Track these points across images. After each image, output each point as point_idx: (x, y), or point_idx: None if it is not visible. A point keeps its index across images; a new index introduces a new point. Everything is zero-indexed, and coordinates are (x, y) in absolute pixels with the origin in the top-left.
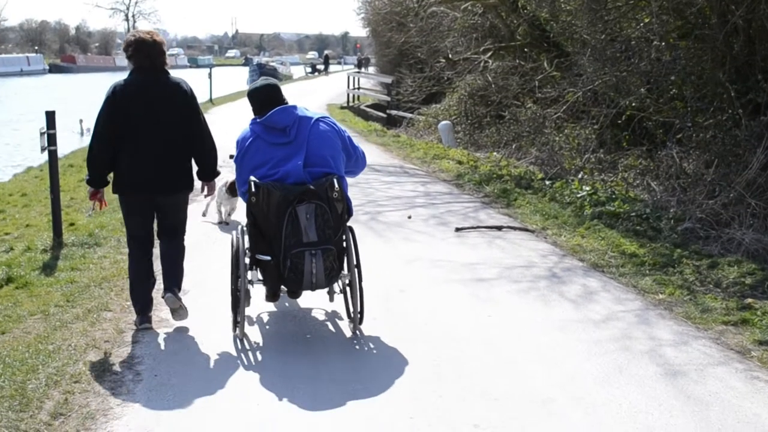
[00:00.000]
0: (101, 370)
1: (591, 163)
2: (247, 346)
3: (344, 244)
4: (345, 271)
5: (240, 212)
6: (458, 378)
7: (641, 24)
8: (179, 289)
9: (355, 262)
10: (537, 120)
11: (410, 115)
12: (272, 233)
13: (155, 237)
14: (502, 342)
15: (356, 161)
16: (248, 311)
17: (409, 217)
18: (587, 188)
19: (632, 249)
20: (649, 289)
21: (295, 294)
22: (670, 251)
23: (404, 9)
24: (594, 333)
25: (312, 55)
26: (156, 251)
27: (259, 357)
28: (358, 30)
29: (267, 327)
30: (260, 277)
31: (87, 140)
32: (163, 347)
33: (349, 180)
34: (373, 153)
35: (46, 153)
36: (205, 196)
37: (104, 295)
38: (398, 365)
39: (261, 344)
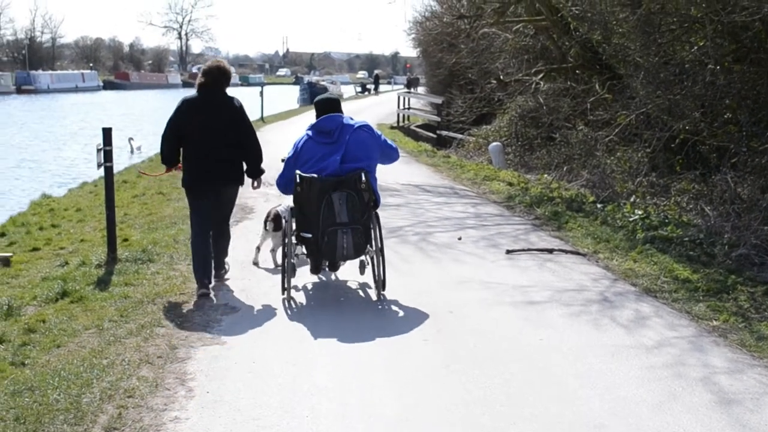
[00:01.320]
0: (154, 386)
1: (643, 187)
2: (296, 348)
3: (370, 225)
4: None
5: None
6: (508, 401)
7: (695, 47)
8: (220, 270)
9: (379, 240)
10: (588, 142)
11: (460, 136)
12: (312, 215)
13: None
14: (554, 366)
15: (390, 154)
16: (296, 281)
17: (460, 239)
18: (639, 212)
19: (685, 274)
20: (702, 315)
21: (334, 267)
22: (725, 277)
23: (455, 30)
24: (646, 359)
25: (362, 74)
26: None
27: (310, 364)
28: (409, 50)
29: (310, 293)
30: (304, 250)
31: (136, 159)
32: (215, 364)
33: (398, 200)
34: (423, 174)
35: (101, 169)
36: (254, 188)
37: (157, 310)
38: (448, 388)
39: (306, 327)
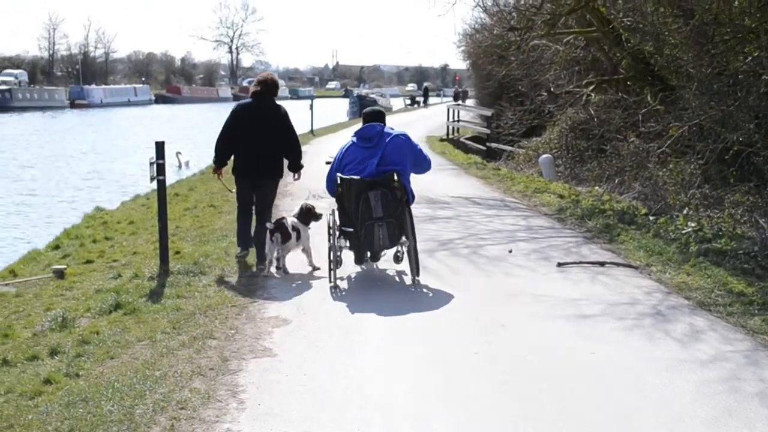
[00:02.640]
0: (206, 398)
1: (696, 199)
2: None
3: (404, 218)
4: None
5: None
6: (561, 416)
7: (749, 58)
8: (262, 255)
9: (411, 233)
10: (640, 154)
11: (510, 149)
12: (352, 212)
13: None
14: (607, 380)
15: (422, 165)
16: (342, 272)
17: (510, 251)
18: (692, 224)
19: (740, 288)
20: (758, 329)
21: (375, 257)
22: None
23: (506, 42)
24: (701, 373)
25: (411, 87)
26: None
27: (361, 377)
28: (458, 63)
29: (353, 280)
30: (346, 243)
31: (185, 173)
32: (266, 376)
33: (448, 213)
34: (473, 186)
35: (153, 182)
36: (295, 180)
37: (209, 322)
38: (499, 400)
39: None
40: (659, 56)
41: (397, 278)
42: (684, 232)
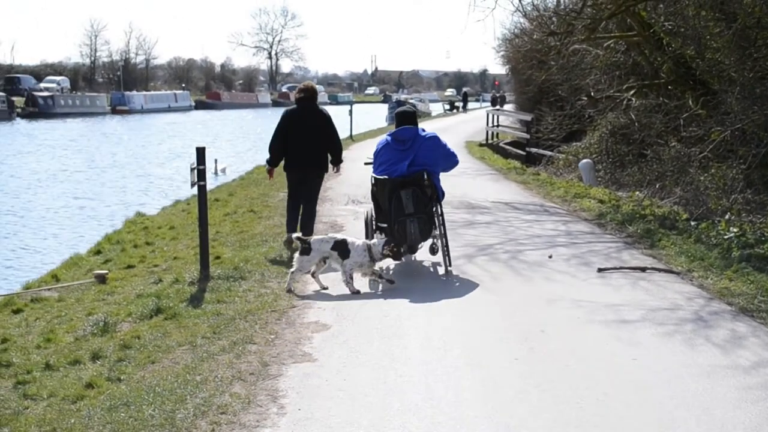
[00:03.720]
0: (246, 402)
1: (738, 204)
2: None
3: (434, 214)
4: (436, 232)
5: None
6: (603, 422)
7: None
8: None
9: (442, 227)
10: (681, 159)
11: (550, 153)
12: (386, 208)
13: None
14: (648, 386)
15: (450, 158)
16: (383, 264)
17: (550, 257)
18: (735, 230)
19: None
20: None
21: (412, 250)
22: None
23: (545, 47)
24: (744, 380)
25: (450, 92)
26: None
27: (401, 382)
28: (497, 67)
29: (390, 272)
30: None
31: (221, 180)
32: (306, 381)
33: (488, 218)
34: (512, 191)
35: (194, 187)
36: (335, 172)
37: (249, 327)
38: (539, 406)
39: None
40: (701, 60)
41: (433, 277)
42: (726, 237)
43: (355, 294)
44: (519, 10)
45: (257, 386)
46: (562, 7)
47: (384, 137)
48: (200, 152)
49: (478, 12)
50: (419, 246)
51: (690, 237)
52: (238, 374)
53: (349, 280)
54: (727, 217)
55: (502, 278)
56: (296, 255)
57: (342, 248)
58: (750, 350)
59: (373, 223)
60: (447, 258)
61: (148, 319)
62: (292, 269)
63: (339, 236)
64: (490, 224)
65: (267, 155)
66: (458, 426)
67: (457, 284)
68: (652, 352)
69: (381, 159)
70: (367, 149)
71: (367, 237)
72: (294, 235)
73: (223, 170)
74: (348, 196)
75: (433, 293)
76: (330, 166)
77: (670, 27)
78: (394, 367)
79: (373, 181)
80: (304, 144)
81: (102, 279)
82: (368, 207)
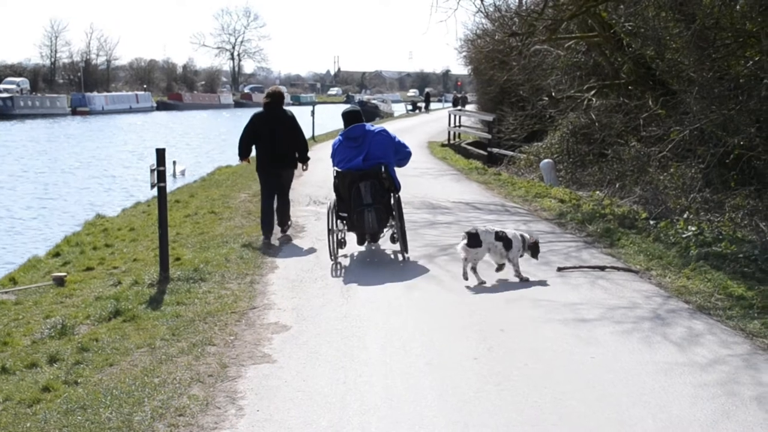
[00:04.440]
0: (205, 404)
1: (697, 203)
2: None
3: (390, 204)
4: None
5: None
6: (560, 420)
7: (750, 62)
8: (285, 226)
9: (399, 216)
10: (641, 159)
11: (511, 153)
12: (346, 199)
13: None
14: (605, 384)
15: (403, 156)
16: (345, 251)
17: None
18: (693, 228)
19: (740, 291)
20: (757, 332)
21: (374, 238)
22: None
23: (507, 47)
24: (700, 377)
25: (413, 92)
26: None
27: (360, 382)
28: (460, 68)
29: (354, 257)
30: (344, 227)
31: (180, 183)
32: (266, 383)
33: (449, 218)
34: (473, 191)
35: (154, 189)
36: (303, 170)
37: (208, 329)
38: (498, 405)
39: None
40: (660, 61)
41: (393, 277)
42: (684, 236)
43: (525, 282)
44: (481, 11)
45: (216, 388)
46: (524, 8)
47: (337, 137)
48: (160, 153)
49: (440, 13)
50: (381, 235)
51: (649, 236)
52: (196, 376)
53: (519, 270)
54: (685, 216)
55: (462, 278)
56: (464, 249)
57: (505, 240)
58: (706, 348)
59: (335, 212)
60: (404, 245)
61: (107, 321)
62: (470, 265)
63: (491, 228)
64: (451, 224)
65: (228, 157)
66: (417, 426)
67: (418, 284)
68: (610, 351)
69: (339, 157)
70: (329, 150)
71: (329, 225)
72: (465, 231)
73: (183, 172)
74: (310, 197)
75: (394, 293)
76: (299, 163)
77: (630, 28)
78: (353, 367)
79: (335, 174)
80: (273, 145)
81: (60, 281)
82: (332, 197)
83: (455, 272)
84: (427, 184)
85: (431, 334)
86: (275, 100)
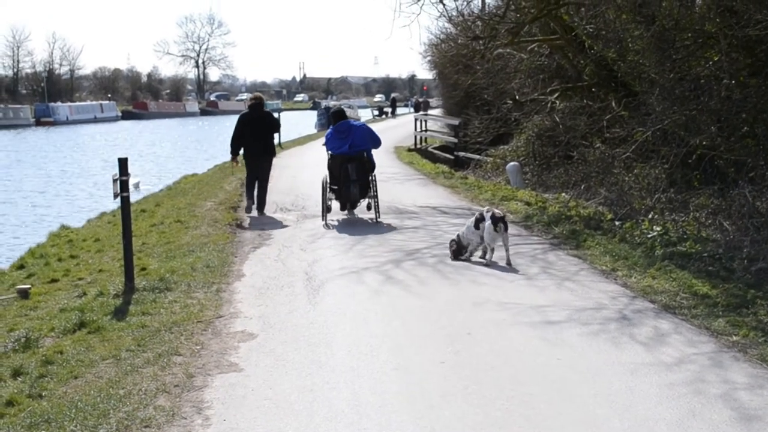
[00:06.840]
0: (171, 415)
1: (661, 203)
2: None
3: (369, 181)
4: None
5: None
6: (527, 423)
7: (710, 62)
8: (262, 209)
9: (374, 189)
10: (606, 160)
11: (478, 157)
12: (337, 176)
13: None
14: (572, 385)
15: (376, 140)
16: (330, 217)
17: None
18: (658, 228)
19: (705, 290)
20: (722, 331)
21: (353, 206)
22: (744, 292)
23: (470, 51)
24: (666, 376)
25: (379, 98)
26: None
27: (327, 389)
28: (425, 73)
29: (337, 223)
30: (333, 196)
31: (140, 195)
32: (232, 392)
33: (416, 222)
34: (440, 195)
35: (117, 199)
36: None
37: (174, 339)
38: (465, 408)
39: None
40: (622, 62)
41: (361, 282)
42: (649, 236)
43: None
44: (444, 15)
45: (182, 398)
46: (486, 11)
47: (329, 130)
48: (122, 163)
49: (403, 18)
50: (358, 204)
51: (615, 237)
52: (162, 386)
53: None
54: (650, 216)
55: (429, 282)
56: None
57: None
58: (673, 347)
59: (327, 185)
60: (377, 212)
61: (72, 333)
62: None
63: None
64: (417, 229)
65: (196, 165)
66: (384, 430)
67: (385, 289)
68: (577, 352)
69: (331, 144)
70: (296, 158)
71: (323, 197)
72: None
73: (136, 185)
74: (276, 204)
75: (361, 298)
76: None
77: (591, 30)
78: (320, 374)
79: (329, 156)
80: (257, 138)
81: (24, 294)
82: (325, 174)
83: (422, 277)
84: (394, 190)
85: (398, 339)
86: (258, 102)
